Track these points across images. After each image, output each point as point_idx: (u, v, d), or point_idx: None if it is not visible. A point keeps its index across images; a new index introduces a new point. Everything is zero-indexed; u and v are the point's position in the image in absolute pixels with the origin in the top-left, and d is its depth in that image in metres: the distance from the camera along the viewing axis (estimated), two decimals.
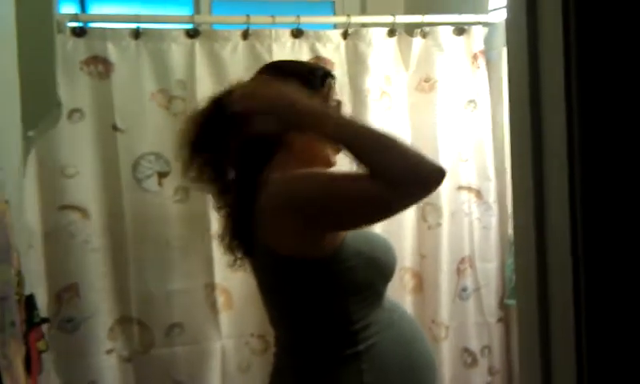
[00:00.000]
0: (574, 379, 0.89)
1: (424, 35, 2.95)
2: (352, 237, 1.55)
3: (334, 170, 1.65)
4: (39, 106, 1.88)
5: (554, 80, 0.89)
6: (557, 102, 0.88)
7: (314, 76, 1.67)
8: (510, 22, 1.03)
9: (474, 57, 2.98)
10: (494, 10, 3.00)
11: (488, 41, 3.02)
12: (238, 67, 2.67)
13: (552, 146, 0.91)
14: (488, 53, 3.02)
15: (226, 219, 1.68)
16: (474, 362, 3.01)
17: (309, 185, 1.52)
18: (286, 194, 1.52)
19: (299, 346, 1.62)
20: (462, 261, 2.99)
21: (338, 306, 1.56)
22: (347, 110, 2.79)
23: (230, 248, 1.67)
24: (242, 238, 1.63)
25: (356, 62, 2.85)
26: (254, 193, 1.56)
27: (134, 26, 2.65)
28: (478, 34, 2.99)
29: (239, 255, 1.67)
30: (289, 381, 1.63)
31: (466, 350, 3.00)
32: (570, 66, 0.86)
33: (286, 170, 1.56)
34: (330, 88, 1.71)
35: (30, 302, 1.62)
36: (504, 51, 2.92)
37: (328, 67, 2.77)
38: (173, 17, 3.13)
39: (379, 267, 1.62)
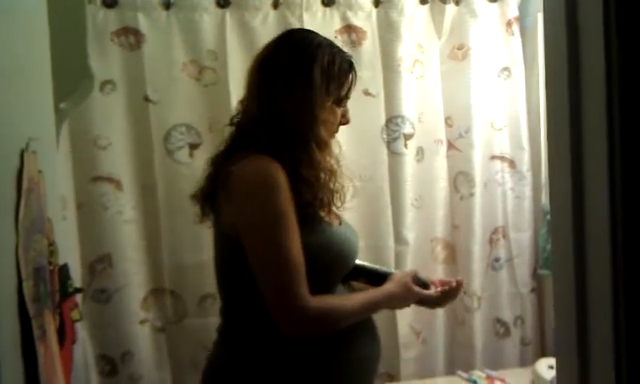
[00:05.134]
0: (612, 350, 0.88)
1: (457, 2, 2.91)
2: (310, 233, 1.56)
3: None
4: (71, 78, 1.88)
5: (594, 44, 0.86)
6: (596, 67, 0.85)
7: (333, 65, 1.64)
8: None
9: (508, 24, 2.92)
10: None
11: (522, 7, 2.97)
12: (269, 37, 2.62)
13: (591, 113, 0.88)
14: (522, 19, 2.96)
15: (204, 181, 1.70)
16: (507, 332, 3.00)
17: (264, 211, 1.51)
18: (246, 191, 1.53)
19: (240, 328, 1.63)
20: (495, 231, 2.97)
21: None
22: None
23: (202, 209, 1.70)
24: (209, 206, 1.67)
25: (388, 31, 2.82)
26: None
27: None
28: (512, 0, 2.93)
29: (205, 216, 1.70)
30: (228, 362, 1.63)
31: (499, 321, 2.99)
32: (609, 30, 0.83)
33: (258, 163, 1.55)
34: (350, 85, 1.68)
35: (63, 272, 1.64)
36: (539, 18, 2.86)
37: (359, 36, 2.77)
38: None
39: (333, 259, 1.61)
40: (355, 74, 1.69)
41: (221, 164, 1.62)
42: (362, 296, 1.68)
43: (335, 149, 1.70)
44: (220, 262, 1.67)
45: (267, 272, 1.51)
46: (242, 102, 1.68)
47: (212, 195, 1.63)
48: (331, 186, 1.63)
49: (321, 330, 1.56)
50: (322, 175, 1.60)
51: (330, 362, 1.59)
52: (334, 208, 1.68)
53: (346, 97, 1.69)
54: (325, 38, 1.68)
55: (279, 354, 1.57)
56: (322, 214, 1.62)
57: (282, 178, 1.50)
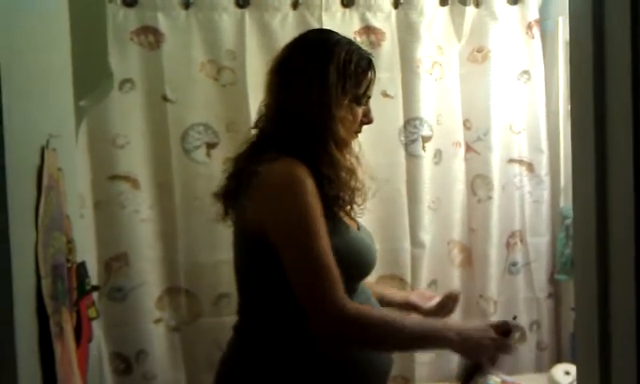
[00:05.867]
0: (634, 357, 0.86)
1: (477, 4, 2.89)
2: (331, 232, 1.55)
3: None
4: (91, 77, 1.89)
5: (620, 48, 0.85)
6: (622, 71, 0.84)
7: (350, 63, 1.63)
8: None
9: (529, 26, 2.90)
10: None
11: (543, 10, 2.95)
12: (288, 37, 2.62)
13: (616, 117, 0.87)
14: (543, 23, 2.94)
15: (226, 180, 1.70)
16: (523, 337, 2.98)
17: (297, 213, 1.50)
18: (272, 195, 1.52)
19: (260, 327, 1.63)
20: (512, 235, 2.95)
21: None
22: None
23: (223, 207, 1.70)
24: (231, 206, 1.67)
25: (407, 32, 2.80)
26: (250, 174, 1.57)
27: None
28: (532, 2, 2.91)
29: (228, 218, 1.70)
30: (247, 360, 1.62)
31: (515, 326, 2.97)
32: (636, 33, 0.82)
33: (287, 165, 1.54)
34: (370, 83, 1.68)
35: (81, 270, 1.64)
36: (560, 21, 2.84)
37: (378, 37, 2.76)
38: None
39: (349, 263, 1.58)
40: (374, 72, 1.68)
41: (243, 164, 1.62)
42: (408, 318, 1.64)
43: (355, 148, 1.70)
44: (241, 260, 1.66)
45: (304, 274, 1.50)
46: (264, 104, 1.68)
47: (234, 195, 1.63)
48: (352, 184, 1.63)
49: (356, 338, 1.53)
50: (343, 174, 1.60)
51: (345, 363, 1.59)
52: (354, 209, 1.68)
53: (366, 95, 1.68)
54: (343, 37, 1.68)
55: (297, 353, 1.57)
56: (342, 215, 1.62)
57: (310, 180, 1.51)
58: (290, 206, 1.50)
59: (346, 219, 1.65)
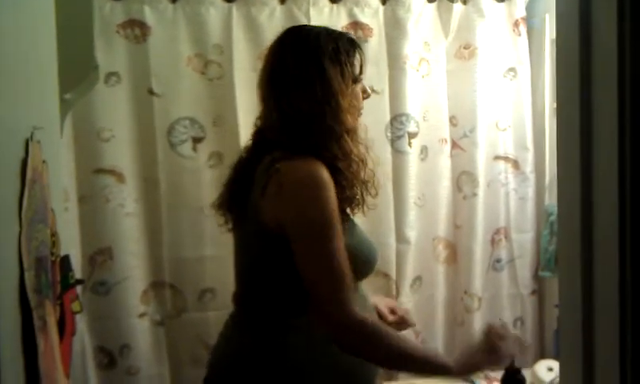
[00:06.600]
0: (618, 354, 0.87)
1: (464, 1, 2.90)
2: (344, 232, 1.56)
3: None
4: (77, 69, 1.88)
5: (606, 45, 0.85)
6: (608, 68, 0.84)
7: (339, 50, 1.63)
8: None
9: (516, 24, 2.91)
10: None
11: (530, 7, 2.96)
12: (275, 32, 2.62)
13: (602, 115, 0.88)
14: (530, 20, 2.95)
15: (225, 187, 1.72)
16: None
17: (314, 211, 1.51)
18: (295, 191, 1.52)
19: (261, 318, 1.63)
20: (497, 232, 2.97)
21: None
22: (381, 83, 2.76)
23: (223, 215, 1.71)
24: (237, 208, 1.67)
25: (394, 28, 2.80)
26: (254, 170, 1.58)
27: None
28: (520, 0, 2.92)
29: (229, 224, 1.71)
30: (246, 351, 1.63)
31: (499, 322, 2.98)
32: (623, 30, 0.83)
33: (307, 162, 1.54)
34: (362, 61, 1.68)
35: (65, 264, 1.63)
36: (546, 18, 2.85)
37: (366, 33, 2.76)
38: None
39: (358, 262, 1.60)
40: (361, 49, 1.68)
41: (248, 167, 1.63)
42: (415, 345, 1.66)
43: (361, 133, 1.69)
44: (249, 253, 1.66)
45: (318, 271, 1.51)
46: (259, 118, 1.69)
47: (241, 196, 1.63)
48: (361, 175, 1.63)
49: (356, 343, 1.53)
50: (354, 166, 1.60)
51: (338, 359, 1.59)
52: (367, 203, 1.68)
53: (362, 72, 1.68)
54: (318, 27, 1.68)
55: (296, 345, 1.57)
56: (353, 213, 1.64)
57: (329, 179, 1.51)
58: (312, 203, 1.51)
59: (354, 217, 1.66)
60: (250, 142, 1.70)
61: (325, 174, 1.51)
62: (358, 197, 1.64)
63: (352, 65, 1.64)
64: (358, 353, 1.55)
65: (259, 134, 1.68)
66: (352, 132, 1.62)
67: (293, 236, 1.51)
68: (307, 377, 1.58)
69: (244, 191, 1.62)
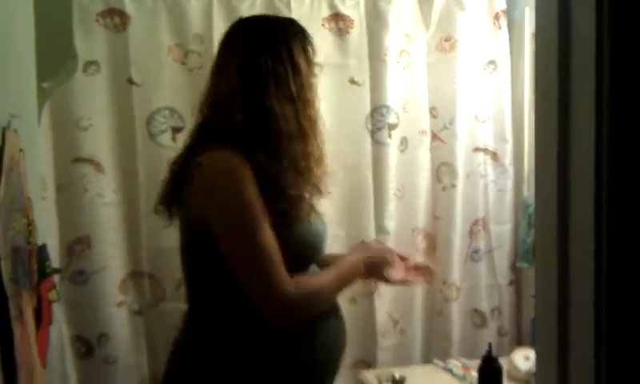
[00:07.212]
0: (592, 344, 0.88)
1: None
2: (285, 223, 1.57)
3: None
4: (55, 58, 1.86)
5: (585, 37, 0.86)
6: (587, 61, 0.85)
7: (304, 41, 1.63)
8: None
9: (496, 16, 2.93)
10: None
11: (510, 1, 2.97)
12: None
13: (579, 109, 0.88)
14: (510, 13, 2.97)
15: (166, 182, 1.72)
16: (484, 323, 3.02)
17: (232, 201, 1.51)
18: (217, 183, 1.53)
19: (208, 316, 1.64)
20: (476, 223, 2.99)
21: None
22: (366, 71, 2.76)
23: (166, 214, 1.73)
24: (175, 206, 1.68)
25: (375, 20, 2.81)
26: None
27: None
28: None
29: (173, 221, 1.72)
30: (196, 349, 1.63)
31: (476, 311, 3.01)
32: (601, 23, 0.83)
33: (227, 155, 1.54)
34: (313, 52, 1.67)
35: (42, 253, 1.62)
36: (526, 11, 2.87)
37: (347, 24, 2.76)
38: None
39: (306, 247, 1.63)
40: (305, 32, 1.68)
41: (183, 163, 1.62)
42: (331, 271, 1.67)
43: (321, 126, 1.69)
44: (187, 251, 1.66)
45: (245, 264, 1.51)
46: (204, 105, 1.67)
47: (177, 193, 1.64)
48: (317, 171, 1.63)
49: (305, 313, 1.56)
50: (312, 163, 1.60)
51: (297, 349, 1.59)
52: (321, 192, 1.68)
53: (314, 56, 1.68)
54: (276, 16, 1.68)
55: (247, 341, 1.57)
56: (301, 205, 1.63)
57: (247, 169, 1.50)
58: (229, 193, 1.51)
59: (305, 207, 1.65)
60: (192, 133, 1.69)
61: (241, 165, 1.50)
62: (314, 188, 1.64)
63: (312, 55, 1.64)
64: (310, 313, 1.58)
65: (203, 125, 1.67)
66: (315, 126, 1.62)
67: (217, 232, 1.51)
68: (256, 372, 1.59)
69: (178, 188, 1.61)
